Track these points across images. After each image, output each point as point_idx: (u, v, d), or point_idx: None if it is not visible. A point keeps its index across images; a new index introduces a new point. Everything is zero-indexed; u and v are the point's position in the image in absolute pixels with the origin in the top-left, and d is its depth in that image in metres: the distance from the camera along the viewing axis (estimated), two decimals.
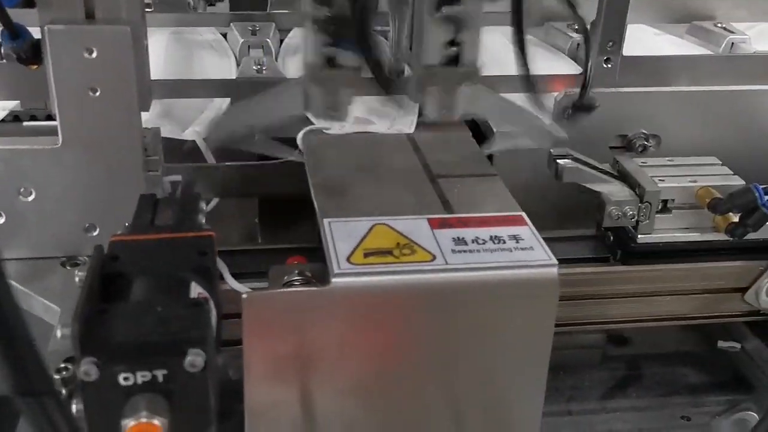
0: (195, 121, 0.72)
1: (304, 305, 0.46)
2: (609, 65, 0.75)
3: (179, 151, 0.68)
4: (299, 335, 0.46)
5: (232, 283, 0.56)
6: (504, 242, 0.50)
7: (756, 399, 0.68)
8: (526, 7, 0.53)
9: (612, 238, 0.67)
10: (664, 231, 0.65)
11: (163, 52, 0.83)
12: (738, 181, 0.65)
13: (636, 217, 0.64)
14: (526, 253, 0.49)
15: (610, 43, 0.74)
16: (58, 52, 0.51)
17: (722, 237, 0.64)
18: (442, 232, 0.51)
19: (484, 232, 0.51)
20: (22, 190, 0.56)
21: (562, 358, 0.70)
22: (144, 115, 0.70)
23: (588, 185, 0.64)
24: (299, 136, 0.64)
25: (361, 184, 0.57)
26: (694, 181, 0.64)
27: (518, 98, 0.67)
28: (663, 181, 0.64)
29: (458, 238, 0.50)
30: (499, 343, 0.49)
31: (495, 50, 0.76)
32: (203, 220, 0.50)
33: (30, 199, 0.56)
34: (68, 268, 0.57)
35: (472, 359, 0.49)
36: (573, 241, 0.69)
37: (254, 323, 0.45)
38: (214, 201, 0.69)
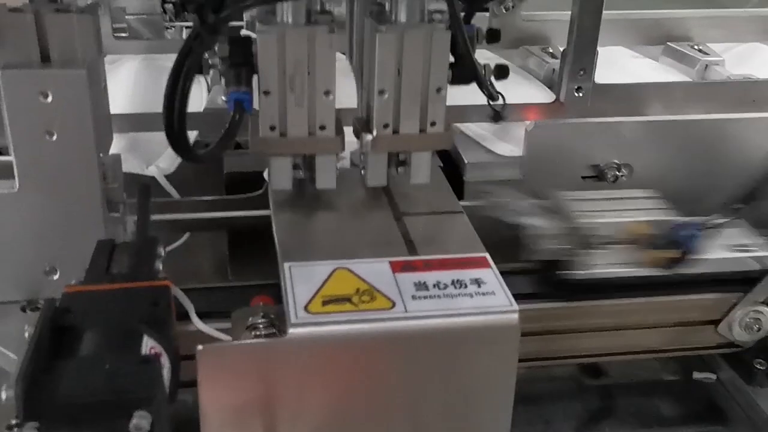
0: (160, 157, 0.71)
1: (260, 356, 0.45)
2: (580, 94, 0.74)
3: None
4: (256, 385, 0.45)
5: (198, 324, 0.55)
6: (466, 286, 0.49)
7: (731, 430, 0.68)
8: None
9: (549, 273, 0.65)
10: (600, 266, 0.63)
11: (133, 81, 0.82)
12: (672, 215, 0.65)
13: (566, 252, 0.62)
14: (488, 298, 0.48)
15: (581, 72, 0.74)
16: (13, 96, 0.50)
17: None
18: (403, 276, 0.50)
19: (447, 276, 0.50)
20: None
21: (536, 389, 0.70)
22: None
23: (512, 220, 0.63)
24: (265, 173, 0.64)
25: (325, 222, 0.57)
26: (628, 216, 0.64)
27: None
28: (594, 215, 0.64)
29: (419, 282, 0.49)
30: (462, 388, 0.48)
31: None
32: (160, 267, 0.50)
33: None
34: (28, 312, 0.56)
35: (434, 405, 0.48)
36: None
37: (209, 375, 0.45)
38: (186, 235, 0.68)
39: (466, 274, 0.50)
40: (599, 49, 0.86)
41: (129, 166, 0.71)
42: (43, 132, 0.51)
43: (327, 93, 0.53)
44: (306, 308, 0.46)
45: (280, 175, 0.55)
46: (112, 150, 0.71)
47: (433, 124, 0.55)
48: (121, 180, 0.59)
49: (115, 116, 0.63)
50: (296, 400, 0.46)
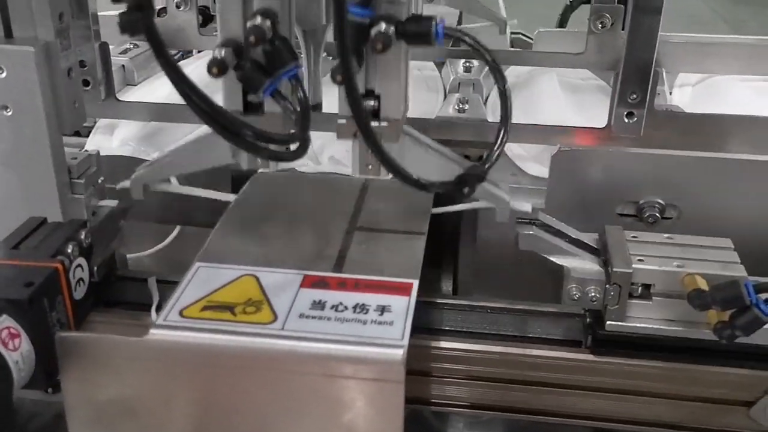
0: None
1: (116, 353, 0.42)
2: (631, 120, 0.65)
3: None
4: (115, 381, 0.43)
5: (153, 315, 0.54)
6: (366, 312, 0.44)
7: None
8: None
9: (588, 319, 0.57)
10: (642, 320, 0.54)
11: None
12: (741, 272, 0.53)
13: (601, 299, 0.54)
14: (380, 328, 0.43)
15: (633, 95, 0.64)
16: None
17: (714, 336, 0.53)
18: (307, 292, 0.45)
19: (352, 298, 0.45)
20: None
21: None
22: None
23: (548, 256, 0.55)
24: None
25: (271, 228, 0.53)
26: (682, 266, 0.53)
27: None
28: (644, 261, 0.54)
29: (318, 301, 0.45)
30: (328, 423, 0.42)
31: None
32: (74, 249, 0.49)
33: None
34: None
35: None
36: (548, 317, 0.60)
37: (69, 364, 0.43)
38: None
39: (376, 300, 0.45)
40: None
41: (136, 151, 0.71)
42: None
43: None
44: (182, 312, 0.43)
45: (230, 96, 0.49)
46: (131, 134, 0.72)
47: None
48: (95, 176, 0.58)
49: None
50: (156, 403, 0.43)
